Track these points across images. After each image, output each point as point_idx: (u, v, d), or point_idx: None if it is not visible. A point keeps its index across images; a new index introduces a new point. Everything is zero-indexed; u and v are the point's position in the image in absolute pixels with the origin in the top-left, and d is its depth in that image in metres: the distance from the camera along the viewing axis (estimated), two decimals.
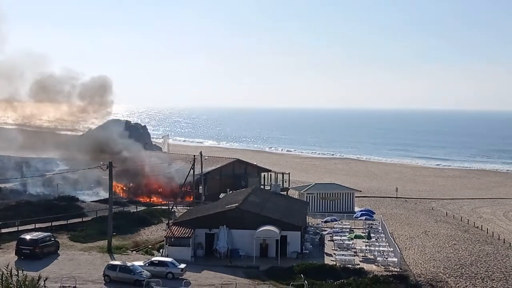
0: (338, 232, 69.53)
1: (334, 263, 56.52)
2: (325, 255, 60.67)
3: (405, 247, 65.59)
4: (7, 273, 41.65)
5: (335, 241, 65.06)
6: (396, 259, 56.66)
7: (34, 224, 64.73)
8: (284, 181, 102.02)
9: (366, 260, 58.56)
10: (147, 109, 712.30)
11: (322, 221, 76.10)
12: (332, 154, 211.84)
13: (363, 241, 64.42)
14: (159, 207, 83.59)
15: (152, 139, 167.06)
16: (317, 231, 70.23)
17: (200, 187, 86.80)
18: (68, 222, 68.71)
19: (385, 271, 54.52)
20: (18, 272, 42.08)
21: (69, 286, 45.22)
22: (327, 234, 69.10)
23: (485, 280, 55.07)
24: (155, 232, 69.65)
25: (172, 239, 57.76)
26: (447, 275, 55.55)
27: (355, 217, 78.21)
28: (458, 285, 53.37)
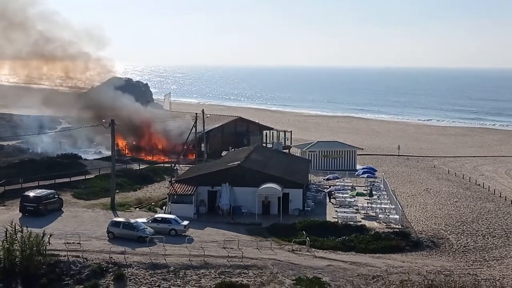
0: (340, 190, 69.75)
1: (336, 220, 56.88)
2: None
3: (407, 205, 65.94)
4: (12, 230, 42.15)
5: (337, 199, 65.35)
6: (397, 216, 56.96)
7: (37, 182, 64.97)
8: (286, 139, 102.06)
9: (367, 217, 58.95)
10: (145, 67, 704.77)
11: (324, 179, 76.28)
12: (334, 112, 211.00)
13: (365, 199, 64.70)
14: (162, 165, 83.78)
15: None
16: (319, 189, 70.43)
17: (202, 145, 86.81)
18: (71, 180, 68.97)
19: (386, 228, 54.91)
20: (22, 229, 42.60)
21: (73, 243, 45.58)
22: (328, 191, 69.34)
23: (486, 237, 55.50)
24: (157, 190, 69.98)
25: (175, 196, 58.08)
26: (449, 232, 55.96)
27: (357, 174, 78.29)
28: (459, 242, 53.79)
